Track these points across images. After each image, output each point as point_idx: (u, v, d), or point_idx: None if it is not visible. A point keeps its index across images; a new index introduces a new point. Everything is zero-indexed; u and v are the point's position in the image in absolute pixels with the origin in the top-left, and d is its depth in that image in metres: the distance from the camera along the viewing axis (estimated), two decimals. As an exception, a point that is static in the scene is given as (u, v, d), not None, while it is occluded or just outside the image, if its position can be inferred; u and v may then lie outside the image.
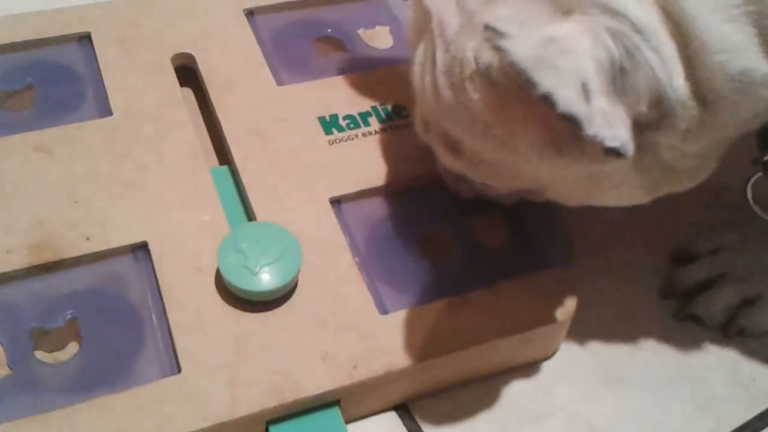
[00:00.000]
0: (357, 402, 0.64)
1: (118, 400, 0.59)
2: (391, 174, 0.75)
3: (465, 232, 0.73)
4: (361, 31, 0.88)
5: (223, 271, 0.64)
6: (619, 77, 0.51)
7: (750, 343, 0.74)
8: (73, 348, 0.64)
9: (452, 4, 0.58)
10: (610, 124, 0.50)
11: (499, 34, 0.49)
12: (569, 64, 0.49)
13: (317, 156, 0.75)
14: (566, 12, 0.53)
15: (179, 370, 0.61)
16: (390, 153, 0.76)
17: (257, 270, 0.64)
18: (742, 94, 0.55)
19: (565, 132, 0.53)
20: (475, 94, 0.56)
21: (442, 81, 0.59)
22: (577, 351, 0.72)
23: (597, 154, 0.52)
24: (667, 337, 0.73)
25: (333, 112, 0.79)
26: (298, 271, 0.66)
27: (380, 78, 0.82)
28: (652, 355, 0.72)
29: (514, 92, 0.53)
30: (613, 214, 0.78)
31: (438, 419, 0.67)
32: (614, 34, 0.51)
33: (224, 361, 0.62)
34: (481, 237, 0.73)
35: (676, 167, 0.60)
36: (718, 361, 0.73)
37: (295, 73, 0.83)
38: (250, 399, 0.60)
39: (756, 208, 0.68)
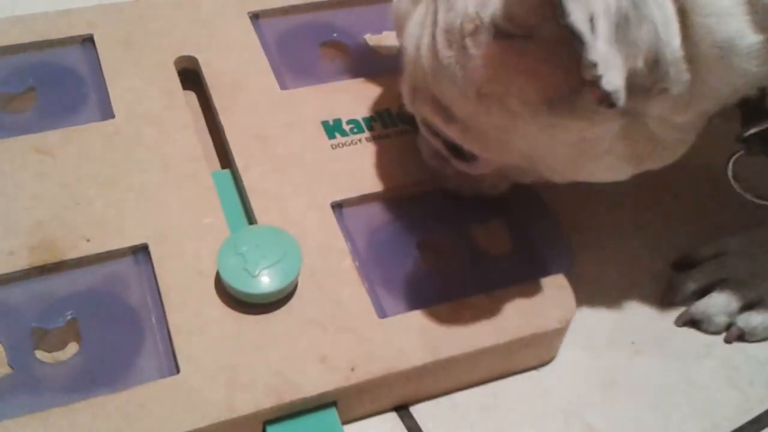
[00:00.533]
0: (354, 404, 0.65)
1: (116, 400, 0.60)
2: (393, 179, 0.75)
3: (465, 239, 0.73)
4: (367, 36, 0.88)
5: (222, 274, 0.64)
6: (623, 26, 0.52)
7: (747, 347, 0.74)
8: (73, 348, 0.64)
9: None
10: (608, 67, 0.51)
11: None
12: None
13: (319, 160, 0.75)
14: None
15: (178, 371, 0.62)
16: (393, 158, 0.76)
17: (256, 273, 0.64)
18: (723, 63, 0.56)
19: (559, 85, 0.55)
20: (475, 50, 0.58)
21: (441, 40, 0.60)
22: (577, 354, 0.72)
23: (588, 108, 0.55)
24: (665, 341, 0.74)
25: (336, 116, 0.79)
26: (298, 275, 0.66)
27: (386, 83, 0.82)
28: (650, 359, 0.72)
29: (515, 45, 0.56)
30: (615, 218, 0.79)
31: (437, 419, 0.67)
32: None
33: (223, 362, 0.62)
34: (481, 243, 0.73)
35: (661, 140, 0.62)
36: (715, 365, 0.73)
37: (299, 77, 0.83)
38: (248, 399, 0.61)
39: (736, 186, 0.68)
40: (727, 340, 0.74)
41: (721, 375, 0.72)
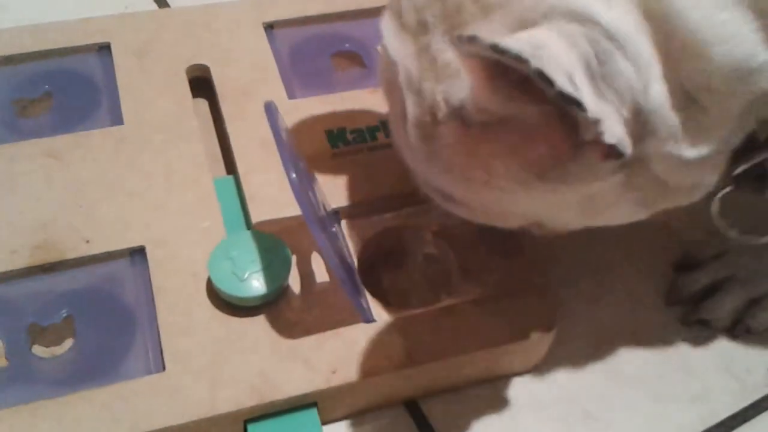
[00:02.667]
0: (335, 405, 0.67)
1: (102, 394, 0.63)
2: (389, 188, 0.76)
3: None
4: (380, 47, 0.90)
5: (212, 276, 0.67)
6: (599, 79, 0.48)
7: (746, 336, 0.76)
8: (68, 344, 0.67)
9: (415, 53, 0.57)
10: (606, 119, 0.48)
11: (483, 39, 0.46)
12: (552, 58, 0.46)
13: (320, 168, 0.77)
14: (533, 26, 0.50)
15: (164, 369, 0.64)
16: (391, 168, 0.77)
17: (244, 277, 0.67)
18: (739, 84, 0.52)
19: (544, 158, 0.52)
20: (449, 138, 0.54)
21: (413, 134, 0.57)
22: (577, 343, 0.74)
23: (585, 168, 0.52)
24: (665, 332, 0.76)
25: (341, 125, 0.80)
26: (286, 280, 0.68)
27: (395, 93, 0.84)
28: (649, 349, 0.74)
29: (489, 131, 0.52)
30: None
31: (437, 407, 0.70)
32: (588, 39, 0.48)
33: (207, 361, 0.65)
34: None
35: (670, 182, 0.57)
36: (714, 354, 0.75)
37: (309, 86, 0.85)
38: (229, 398, 0.63)
39: (721, 225, 0.67)
40: (736, 337, 0.76)
41: (719, 364, 0.74)
